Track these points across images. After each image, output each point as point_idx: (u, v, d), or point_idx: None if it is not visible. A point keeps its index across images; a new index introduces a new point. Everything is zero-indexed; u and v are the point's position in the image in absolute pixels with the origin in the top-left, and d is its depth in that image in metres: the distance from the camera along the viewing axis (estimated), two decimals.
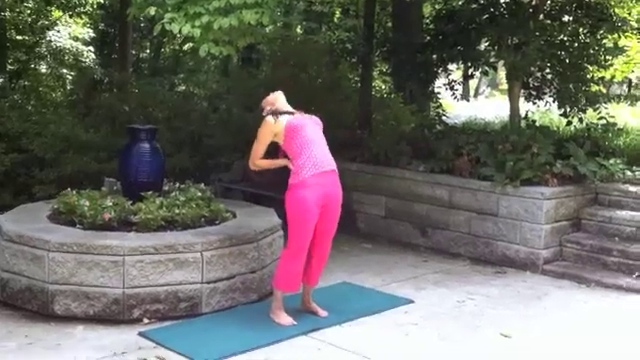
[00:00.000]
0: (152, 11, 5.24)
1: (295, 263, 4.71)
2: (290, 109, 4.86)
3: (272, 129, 4.75)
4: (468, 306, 5.27)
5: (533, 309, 5.26)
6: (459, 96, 9.25)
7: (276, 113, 4.77)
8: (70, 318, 4.70)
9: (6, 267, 4.99)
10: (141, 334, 4.51)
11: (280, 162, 4.84)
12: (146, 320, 4.72)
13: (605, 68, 8.44)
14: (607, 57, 8.14)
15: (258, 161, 4.88)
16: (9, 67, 11.64)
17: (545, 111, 10.57)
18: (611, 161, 6.85)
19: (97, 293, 4.72)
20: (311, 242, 4.73)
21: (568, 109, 8.01)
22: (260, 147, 4.83)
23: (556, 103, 8.26)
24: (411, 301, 5.30)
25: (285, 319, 4.72)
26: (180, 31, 5.04)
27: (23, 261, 4.88)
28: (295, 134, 4.68)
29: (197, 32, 5.00)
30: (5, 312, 4.87)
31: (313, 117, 4.90)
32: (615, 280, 5.83)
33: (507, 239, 6.41)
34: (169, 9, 5.10)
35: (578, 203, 6.56)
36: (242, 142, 8.76)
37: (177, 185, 5.91)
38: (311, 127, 4.77)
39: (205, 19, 4.98)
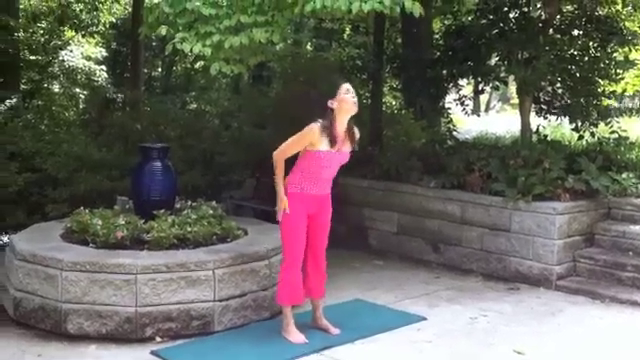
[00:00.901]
0: (163, 31, 5.31)
1: (292, 274, 4.74)
2: (340, 133, 4.71)
3: (311, 139, 4.65)
4: (481, 323, 5.24)
5: (547, 325, 5.22)
6: (470, 111, 9.26)
7: (326, 130, 4.65)
8: (83, 337, 4.71)
9: (19, 286, 5.01)
10: (153, 353, 4.51)
11: (282, 194, 4.73)
12: (158, 339, 4.73)
13: (616, 82, 8.41)
14: (618, 71, 8.12)
15: (281, 162, 4.72)
16: (23, 87, 11.74)
17: (556, 125, 10.54)
18: (624, 175, 6.82)
19: (110, 312, 4.73)
20: (305, 253, 4.78)
21: (579, 123, 7.99)
22: (291, 149, 4.72)
23: (567, 117, 8.24)
24: (424, 318, 5.27)
25: (297, 337, 4.71)
26: (191, 50, 5.09)
27: (36, 280, 4.90)
28: (316, 161, 4.68)
29: (208, 51, 5.06)
30: (18, 331, 4.88)
31: (344, 153, 4.77)
32: (630, 295, 5.78)
33: (520, 255, 6.38)
34: (180, 28, 5.17)
35: (591, 218, 6.52)
36: (253, 159, 8.81)
37: (189, 203, 5.93)
38: (334, 165, 4.76)
39: (216, 38, 5.04)
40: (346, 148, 4.78)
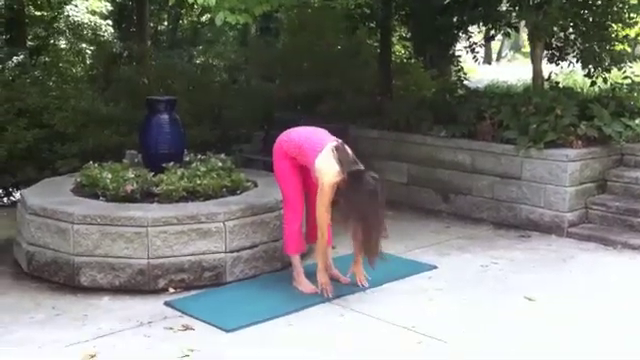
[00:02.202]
0: None
1: (294, 222, 4.78)
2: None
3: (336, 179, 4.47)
4: (492, 270, 5.25)
5: (558, 272, 5.22)
6: (481, 59, 9.12)
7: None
8: (96, 289, 4.76)
9: (31, 240, 5.05)
10: (167, 304, 4.55)
11: (323, 269, 4.65)
12: (171, 290, 4.77)
13: (630, 26, 8.25)
14: (632, 14, 7.95)
15: (327, 222, 4.55)
16: (29, 43, 11.68)
17: (569, 72, 10.40)
18: (637, 121, 6.72)
19: (122, 264, 4.76)
20: (307, 203, 4.80)
21: (592, 69, 7.88)
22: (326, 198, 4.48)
23: (579, 64, 8.10)
24: (434, 267, 5.28)
25: (308, 287, 4.74)
26: (195, 1, 5.00)
27: (48, 234, 4.94)
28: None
29: (212, 1, 4.96)
30: (32, 284, 4.94)
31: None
32: None
33: (531, 203, 6.35)
34: None
35: (603, 165, 6.45)
36: (261, 113, 8.76)
37: (198, 156, 5.92)
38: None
39: None
40: None
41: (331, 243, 4.97)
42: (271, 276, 5.06)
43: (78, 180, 5.55)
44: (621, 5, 7.81)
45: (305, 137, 4.71)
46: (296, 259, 4.83)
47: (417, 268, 5.24)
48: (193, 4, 5.07)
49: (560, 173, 6.16)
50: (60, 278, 4.89)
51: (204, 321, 4.27)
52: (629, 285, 4.95)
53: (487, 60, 13.34)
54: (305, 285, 4.75)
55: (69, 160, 7.37)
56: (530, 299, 4.63)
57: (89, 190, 5.34)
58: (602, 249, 5.77)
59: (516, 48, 32.62)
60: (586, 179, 6.30)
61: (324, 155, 4.51)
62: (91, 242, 4.77)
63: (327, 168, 4.47)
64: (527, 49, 16.26)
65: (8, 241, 5.63)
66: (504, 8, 8.28)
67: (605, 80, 7.87)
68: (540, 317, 4.36)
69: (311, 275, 4.81)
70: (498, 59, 31.13)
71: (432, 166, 7.10)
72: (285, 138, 4.82)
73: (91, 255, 4.79)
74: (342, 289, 4.78)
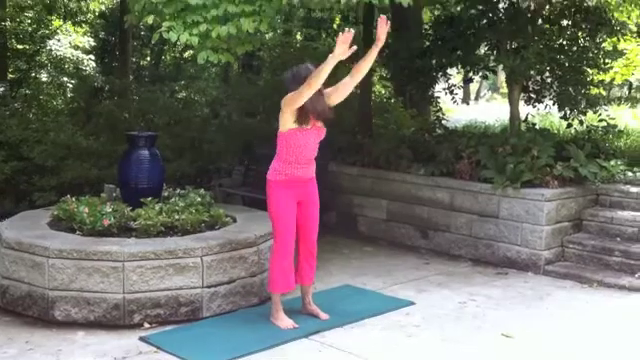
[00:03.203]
0: (150, 20, 5.26)
1: (283, 261, 4.73)
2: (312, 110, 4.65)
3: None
4: (470, 307, 5.26)
5: (535, 309, 5.25)
6: (459, 100, 9.25)
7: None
8: (71, 324, 4.69)
9: (6, 274, 4.99)
10: (142, 339, 4.50)
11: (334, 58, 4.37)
12: (147, 325, 4.71)
13: (605, 71, 8.42)
14: (606, 60, 8.13)
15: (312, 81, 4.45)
16: (10, 76, 11.64)
17: (545, 114, 10.56)
18: (612, 162, 6.86)
19: (97, 299, 4.71)
20: (296, 240, 4.80)
21: (568, 112, 8.00)
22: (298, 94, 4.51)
23: (556, 106, 8.25)
24: (413, 303, 5.28)
25: (286, 322, 4.71)
26: (178, 39, 5.05)
27: (23, 268, 4.87)
28: (292, 141, 4.65)
29: (195, 40, 5.01)
30: (5, 319, 4.86)
31: (321, 130, 4.74)
32: (617, 280, 5.81)
33: (508, 240, 6.40)
34: (167, 17, 5.11)
35: (579, 204, 6.55)
36: (242, 148, 8.80)
37: (177, 191, 5.91)
38: (310, 143, 4.71)
39: (203, 27, 4.99)
40: (320, 124, 4.74)
41: (312, 281, 4.97)
42: (248, 311, 5.02)
43: (55, 213, 5.51)
44: (596, 51, 7.99)
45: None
46: (277, 296, 4.80)
47: (395, 304, 5.24)
48: (176, 41, 5.11)
49: (537, 212, 6.23)
50: (34, 312, 4.82)
51: (179, 357, 4.23)
52: (605, 323, 4.98)
53: (465, 100, 13.53)
54: (284, 321, 4.72)
55: (47, 193, 7.33)
56: (508, 336, 4.64)
57: (65, 224, 5.31)
58: (578, 287, 5.82)
59: (494, 89, 33.17)
60: (562, 218, 6.38)
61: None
62: (66, 276, 4.72)
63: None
64: (505, 90, 16.56)
65: None
66: (482, 52, 8.45)
67: (581, 122, 8.00)
68: (518, 354, 4.37)
69: (290, 312, 4.79)
70: (476, 99, 31.60)
71: (411, 203, 7.16)
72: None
73: (66, 289, 4.73)
74: (320, 324, 4.76)
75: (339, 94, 4.81)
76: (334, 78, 4.81)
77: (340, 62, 4.43)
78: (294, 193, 4.74)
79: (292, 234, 4.76)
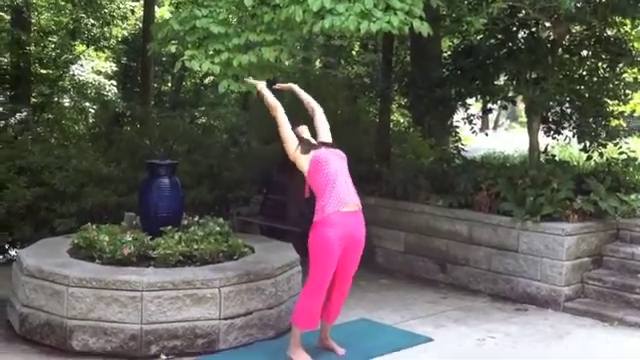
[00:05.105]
0: (172, 48, 5.34)
1: (315, 301, 4.63)
2: (314, 142, 4.80)
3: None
4: (488, 344, 5.20)
5: (554, 348, 5.17)
6: (477, 130, 9.24)
7: (305, 146, 4.70)
8: (88, 354, 4.70)
9: (26, 302, 5.02)
10: None
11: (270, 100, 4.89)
12: (163, 356, 4.71)
13: (625, 102, 8.39)
14: (627, 91, 8.10)
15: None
16: (33, 100, 11.83)
17: (565, 145, 10.50)
18: (632, 196, 6.78)
19: (115, 329, 4.72)
20: (332, 280, 4.67)
21: (588, 143, 7.96)
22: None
23: (576, 137, 8.21)
24: (430, 339, 5.23)
25: (303, 357, 4.67)
26: (200, 67, 5.11)
27: (43, 296, 4.90)
28: (320, 168, 4.62)
29: (217, 69, 5.07)
30: (23, 347, 4.88)
31: (337, 151, 4.80)
32: (638, 318, 5.72)
33: (528, 275, 6.34)
34: (189, 46, 5.19)
35: (599, 239, 6.48)
36: (260, 176, 8.82)
37: (196, 219, 5.93)
38: (336, 161, 4.70)
39: (225, 56, 5.05)
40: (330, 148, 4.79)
41: (334, 320, 4.91)
42: (265, 344, 5.00)
43: (75, 241, 5.55)
44: (617, 82, 7.96)
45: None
46: (298, 331, 4.71)
47: (413, 340, 5.19)
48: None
49: (557, 247, 6.17)
50: (52, 341, 4.84)
51: None
52: None
53: (484, 129, 13.49)
54: (301, 356, 4.68)
55: (67, 220, 7.38)
56: None
57: (85, 252, 5.34)
58: (599, 325, 5.74)
59: (513, 117, 33.10)
60: (582, 253, 6.31)
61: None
62: (85, 305, 4.74)
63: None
64: (524, 119, 16.48)
65: (1, 302, 5.58)
66: (502, 82, 8.45)
67: (601, 155, 7.96)
68: None
69: (307, 346, 4.76)
70: (495, 128, 31.53)
71: (429, 235, 7.12)
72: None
73: (84, 319, 4.75)
74: None
75: (320, 127, 4.96)
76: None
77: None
78: (341, 230, 4.53)
79: (330, 275, 4.61)
